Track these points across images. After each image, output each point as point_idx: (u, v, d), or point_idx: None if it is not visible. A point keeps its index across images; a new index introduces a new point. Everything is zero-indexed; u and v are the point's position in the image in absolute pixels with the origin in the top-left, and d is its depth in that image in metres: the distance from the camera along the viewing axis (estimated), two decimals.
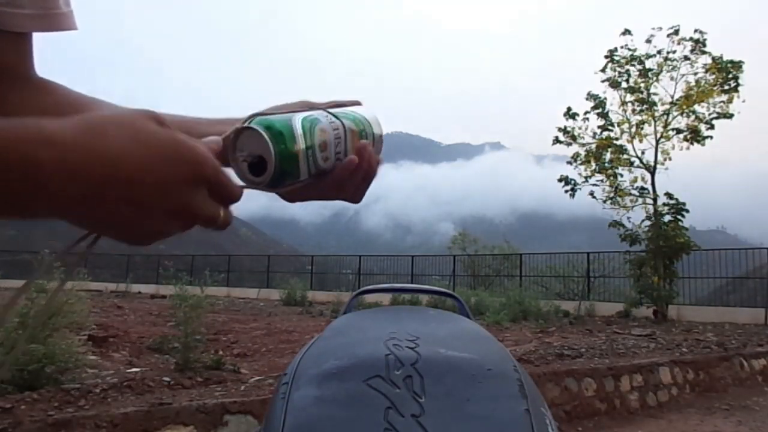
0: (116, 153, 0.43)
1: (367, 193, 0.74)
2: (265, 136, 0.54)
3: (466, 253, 25.07)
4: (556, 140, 16.31)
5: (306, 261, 28.74)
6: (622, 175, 15.33)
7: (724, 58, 14.39)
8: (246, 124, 0.56)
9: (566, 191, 15.97)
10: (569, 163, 16.03)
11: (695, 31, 14.95)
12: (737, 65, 14.21)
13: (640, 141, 15.39)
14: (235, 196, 0.52)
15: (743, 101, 14.28)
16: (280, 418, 0.73)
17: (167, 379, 3.95)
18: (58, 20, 0.67)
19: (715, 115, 14.54)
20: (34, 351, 3.45)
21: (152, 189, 0.45)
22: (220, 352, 5.89)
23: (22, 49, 0.68)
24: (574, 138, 15.99)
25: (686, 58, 15.03)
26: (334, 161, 0.62)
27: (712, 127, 14.63)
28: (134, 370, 4.63)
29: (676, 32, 15.08)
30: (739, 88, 14.20)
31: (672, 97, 15.05)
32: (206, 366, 4.55)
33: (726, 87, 14.24)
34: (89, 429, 2.75)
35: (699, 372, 6.12)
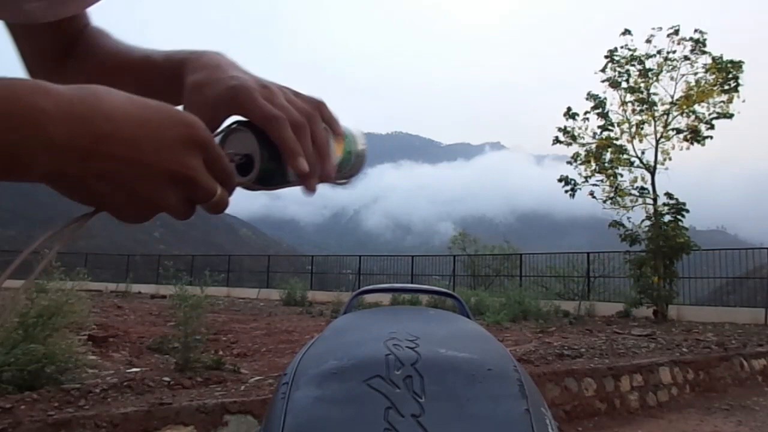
0: (115, 110, 0.44)
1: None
2: (253, 135, 0.56)
3: (466, 253, 25.08)
4: (556, 140, 16.32)
5: (306, 261, 28.77)
6: (622, 175, 15.35)
7: (724, 58, 14.40)
8: (234, 125, 0.58)
9: (566, 191, 15.97)
10: (569, 163, 16.03)
11: (695, 31, 14.97)
12: (737, 65, 14.22)
13: (640, 141, 15.41)
14: (229, 172, 0.52)
15: (743, 101, 14.30)
16: (280, 418, 0.72)
17: (167, 379, 3.95)
18: None
19: (715, 115, 14.55)
20: (34, 351, 3.45)
21: (150, 147, 0.45)
22: (220, 352, 5.89)
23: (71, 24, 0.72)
24: (574, 138, 15.99)
25: (686, 58, 15.05)
26: None
27: (712, 127, 14.64)
28: (134, 370, 4.63)
29: (676, 32, 15.09)
30: (739, 88, 14.21)
31: (672, 97, 15.07)
32: (206, 366, 4.55)
33: (726, 87, 14.25)
34: (89, 429, 2.75)
35: (699, 372, 6.12)
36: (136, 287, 21.34)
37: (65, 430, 2.70)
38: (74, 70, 0.73)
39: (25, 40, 0.73)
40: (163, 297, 15.48)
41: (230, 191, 0.53)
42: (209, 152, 0.50)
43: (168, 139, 0.46)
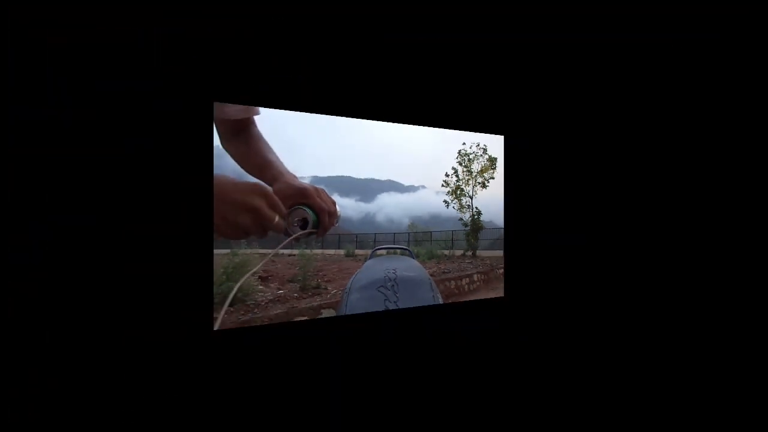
0: (224, 183, 0.52)
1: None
2: (308, 210, 0.64)
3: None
4: None
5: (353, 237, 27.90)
6: None
7: None
8: (296, 207, 0.64)
9: None
10: None
11: None
12: None
13: None
14: (281, 210, 0.56)
15: None
16: (344, 308, 0.85)
17: (296, 294, 3.85)
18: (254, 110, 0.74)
19: None
20: None
21: (237, 196, 0.51)
22: (318, 280, 5.71)
23: (239, 122, 0.75)
24: None
25: None
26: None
27: None
28: (280, 292, 4.48)
29: None
30: None
31: None
32: (312, 287, 4.43)
33: None
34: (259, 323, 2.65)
35: None
36: None
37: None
38: (239, 143, 0.75)
39: (219, 124, 0.75)
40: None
41: (284, 218, 0.55)
42: (269, 198, 0.54)
43: (246, 190, 0.52)
